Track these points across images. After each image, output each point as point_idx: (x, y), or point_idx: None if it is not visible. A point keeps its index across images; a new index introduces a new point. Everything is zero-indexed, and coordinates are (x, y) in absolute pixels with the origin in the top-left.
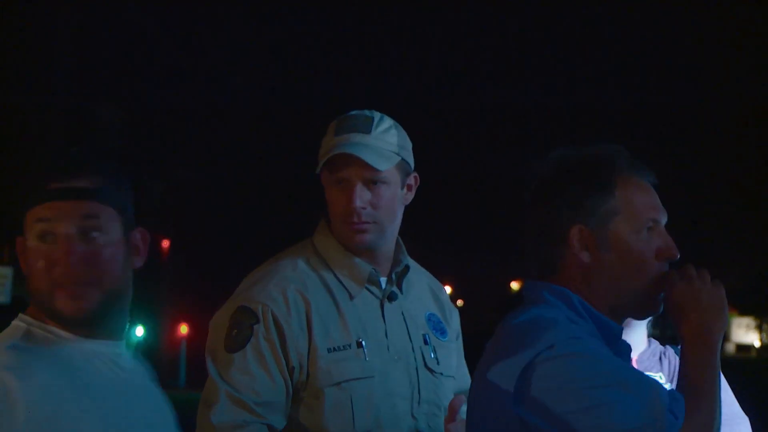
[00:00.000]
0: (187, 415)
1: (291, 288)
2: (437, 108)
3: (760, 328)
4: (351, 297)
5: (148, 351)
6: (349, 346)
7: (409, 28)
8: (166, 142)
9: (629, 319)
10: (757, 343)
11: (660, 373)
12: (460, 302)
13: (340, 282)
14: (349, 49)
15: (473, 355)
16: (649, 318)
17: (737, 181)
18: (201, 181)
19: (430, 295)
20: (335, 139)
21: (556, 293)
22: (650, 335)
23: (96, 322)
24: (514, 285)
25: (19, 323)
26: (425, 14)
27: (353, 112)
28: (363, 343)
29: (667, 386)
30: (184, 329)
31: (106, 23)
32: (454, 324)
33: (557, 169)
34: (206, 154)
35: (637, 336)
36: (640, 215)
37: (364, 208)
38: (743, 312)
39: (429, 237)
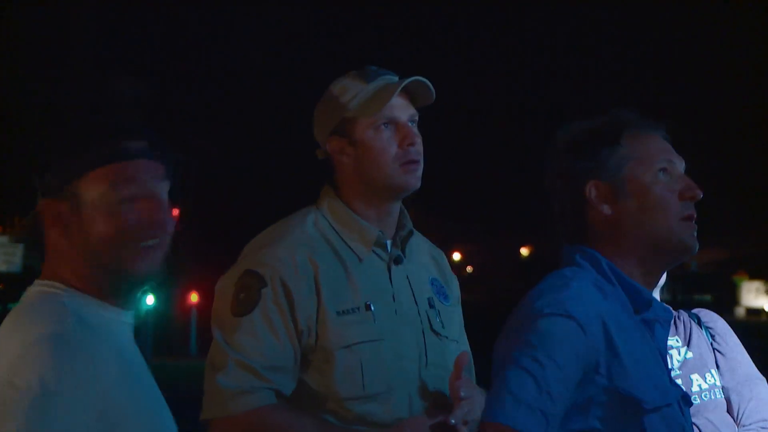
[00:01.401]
0: (199, 383)
1: (299, 251)
2: (447, 74)
3: None
4: (360, 260)
5: (158, 319)
6: (358, 309)
7: (414, 23)
8: (179, 111)
9: None
10: (767, 307)
11: (675, 337)
12: (469, 268)
13: (348, 245)
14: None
15: (484, 319)
16: (662, 283)
17: (751, 147)
18: (211, 149)
19: (431, 261)
20: (378, 82)
21: (587, 256)
22: (662, 300)
23: (141, 288)
24: (524, 251)
25: (53, 290)
26: (425, 13)
27: (359, 69)
28: (371, 306)
29: (683, 349)
30: (194, 297)
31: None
32: (454, 290)
33: (571, 137)
34: (217, 123)
35: None
36: (651, 158)
37: (418, 145)
38: (753, 276)
39: (438, 204)
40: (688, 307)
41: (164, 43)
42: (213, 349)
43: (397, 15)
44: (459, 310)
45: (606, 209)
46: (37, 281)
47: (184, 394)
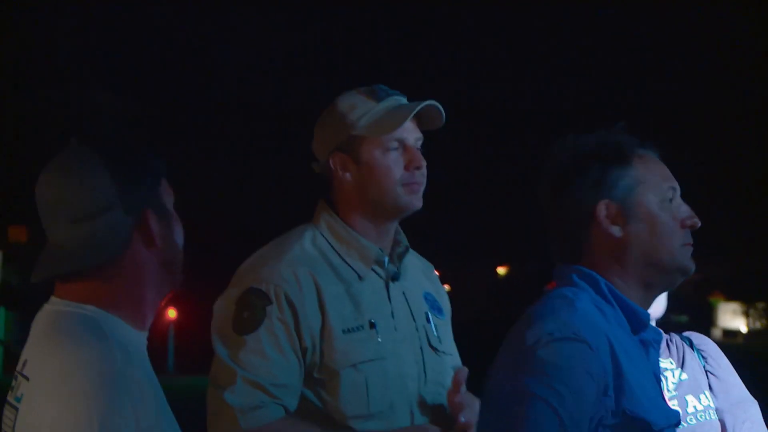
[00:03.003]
0: (176, 400)
1: (301, 268)
2: (432, 98)
3: (747, 313)
4: (360, 278)
5: None
6: (363, 327)
7: (414, 27)
8: (163, 130)
9: None
10: (743, 329)
11: (669, 359)
12: (447, 287)
13: (348, 264)
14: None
15: (463, 337)
16: (660, 314)
17: (727, 167)
18: (191, 166)
19: (423, 275)
20: (388, 102)
21: (585, 277)
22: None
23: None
24: (501, 270)
25: (86, 312)
26: (426, 14)
27: (368, 87)
28: (375, 324)
29: (677, 371)
30: (171, 313)
31: (109, 17)
32: (445, 304)
33: (574, 153)
34: (199, 141)
35: None
36: (661, 184)
37: (424, 169)
38: (730, 297)
39: (415, 223)
40: (664, 328)
41: (153, 53)
42: (217, 367)
43: (383, 33)
44: (450, 324)
45: (616, 231)
46: (59, 300)
47: None
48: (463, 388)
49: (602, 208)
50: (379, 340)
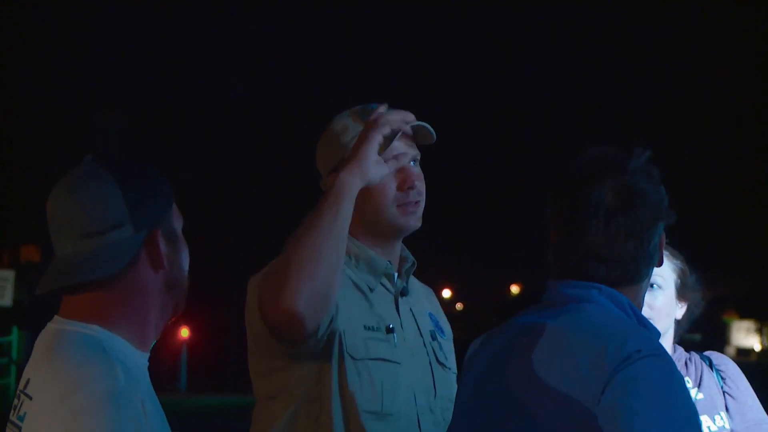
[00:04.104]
0: (188, 420)
1: None
2: (438, 109)
3: (760, 331)
4: (370, 290)
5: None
6: (380, 329)
7: (415, 29)
8: (166, 144)
9: None
10: (757, 347)
11: (687, 378)
12: (459, 306)
13: (356, 277)
14: (353, 48)
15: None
16: (674, 325)
17: (739, 185)
18: (202, 183)
19: (425, 298)
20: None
21: (606, 294)
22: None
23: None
24: (514, 288)
25: (89, 332)
26: (427, 15)
27: (361, 106)
28: (393, 328)
29: (694, 390)
30: (184, 333)
31: (108, 25)
32: (446, 326)
33: (641, 175)
34: (208, 156)
35: (665, 342)
36: None
37: (418, 188)
38: (744, 315)
39: (427, 241)
40: (697, 350)
41: (150, 66)
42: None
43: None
44: (452, 345)
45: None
46: (62, 319)
47: (173, 429)
48: None
49: (663, 236)
50: (396, 345)
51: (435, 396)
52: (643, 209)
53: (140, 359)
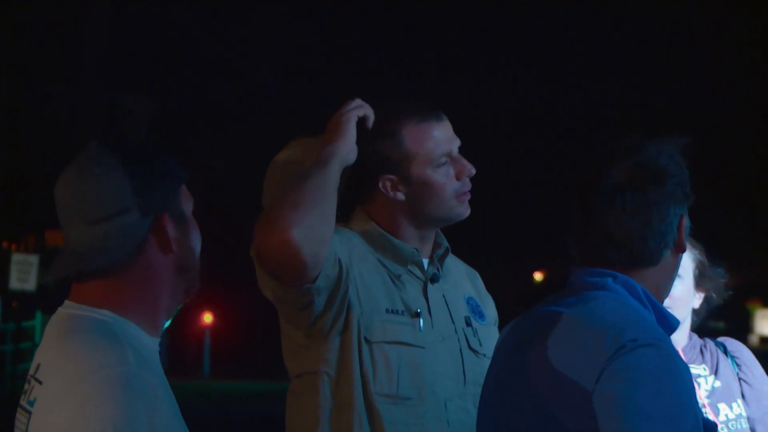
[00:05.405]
0: (211, 405)
1: (355, 245)
2: (459, 103)
3: None
4: (398, 277)
5: (172, 340)
6: (404, 312)
7: (425, 27)
8: (191, 132)
9: None
10: None
11: (703, 365)
12: None
13: (383, 264)
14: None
15: None
16: (691, 313)
17: (764, 170)
18: (226, 169)
19: (468, 280)
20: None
21: (621, 282)
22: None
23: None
24: (538, 276)
25: (101, 317)
26: (431, 13)
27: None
28: (420, 313)
29: (711, 378)
30: (207, 318)
31: (137, 15)
32: (491, 309)
33: (661, 155)
34: (233, 143)
35: (681, 331)
36: None
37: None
38: (767, 304)
39: (449, 229)
40: (700, 335)
41: (171, 56)
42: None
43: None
44: (495, 330)
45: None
46: (73, 303)
47: (196, 414)
48: None
49: (683, 220)
50: (421, 329)
51: (465, 382)
52: (655, 187)
53: (151, 344)
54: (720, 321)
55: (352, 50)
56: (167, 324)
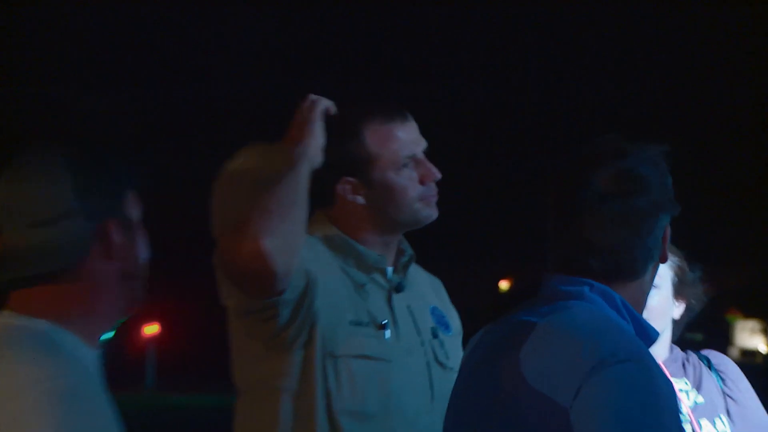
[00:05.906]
0: (155, 418)
1: (321, 253)
2: (425, 107)
3: (766, 332)
4: (361, 286)
5: (115, 351)
6: (370, 324)
7: (417, 26)
8: (144, 133)
9: None
10: (763, 348)
11: (684, 379)
12: None
13: (346, 272)
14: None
15: None
16: (671, 325)
17: (742, 181)
18: (176, 174)
19: (431, 289)
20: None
21: (597, 291)
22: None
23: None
24: (503, 285)
25: (38, 326)
26: (429, 13)
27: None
28: (386, 324)
29: (693, 393)
30: (151, 329)
31: (107, 19)
32: (455, 320)
33: (644, 163)
34: (186, 147)
35: (661, 343)
36: None
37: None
38: (748, 314)
39: (413, 236)
40: (680, 348)
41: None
42: None
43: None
44: (460, 341)
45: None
46: (11, 313)
47: (139, 429)
48: None
49: (667, 230)
50: (387, 341)
51: (432, 398)
52: (641, 196)
53: (92, 355)
54: (698, 333)
55: (332, 52)
56: (110, 335)
